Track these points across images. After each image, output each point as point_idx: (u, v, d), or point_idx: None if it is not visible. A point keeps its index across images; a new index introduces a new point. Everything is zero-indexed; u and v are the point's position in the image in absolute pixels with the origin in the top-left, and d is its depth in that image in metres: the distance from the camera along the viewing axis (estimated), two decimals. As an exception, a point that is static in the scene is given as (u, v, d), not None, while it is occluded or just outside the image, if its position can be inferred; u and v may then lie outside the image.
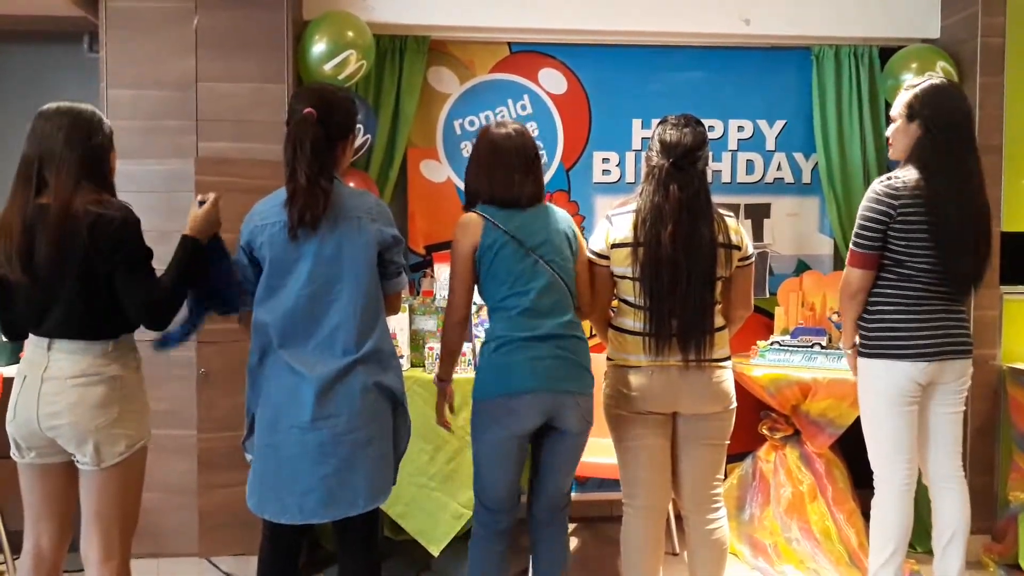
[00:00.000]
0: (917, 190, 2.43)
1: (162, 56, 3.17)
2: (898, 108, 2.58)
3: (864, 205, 2.52)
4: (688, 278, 2.35)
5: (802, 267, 3.93)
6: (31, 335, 2.09)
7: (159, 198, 3.08)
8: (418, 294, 3.53)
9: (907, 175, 2.48)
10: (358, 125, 3.30)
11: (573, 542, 3.65)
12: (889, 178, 2.50)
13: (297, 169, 2.08)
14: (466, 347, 3.23)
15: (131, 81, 3.16)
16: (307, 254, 2.08)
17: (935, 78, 2.60)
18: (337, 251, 2.09)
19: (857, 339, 2.63)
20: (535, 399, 2.27)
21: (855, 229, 2.55)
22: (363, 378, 2.08)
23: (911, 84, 2.60)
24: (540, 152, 2.48)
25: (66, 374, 2.02)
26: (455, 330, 2.42)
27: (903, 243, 2.47)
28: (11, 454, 2.11)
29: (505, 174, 2.36)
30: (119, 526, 2.09)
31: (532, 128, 3.76)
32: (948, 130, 2.47)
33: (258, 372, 2.13)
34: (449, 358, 2.45)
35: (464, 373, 3.11)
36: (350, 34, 3.29)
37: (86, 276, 2.02)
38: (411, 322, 3.35)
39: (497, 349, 2.32)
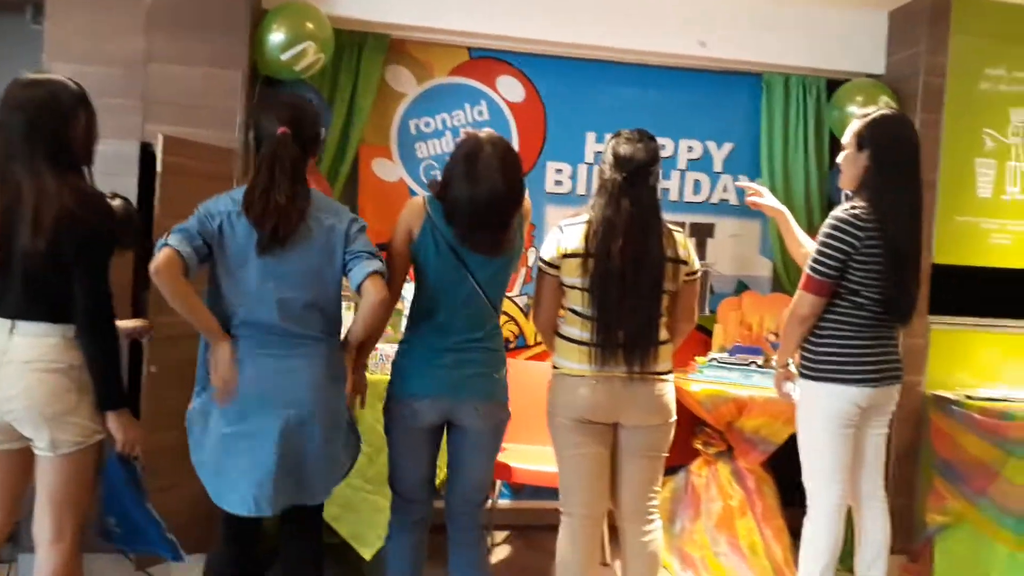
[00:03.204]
0: (875, 221, 2.46)
1: (110, 32, 3.06)
2: (848, 136, 2.60)
3: (827, 233, 2.49)
4: (636, 291, 2.38)
5: (742, 287, 4.02)
6: None
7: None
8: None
9: (865, 205, 2.49)
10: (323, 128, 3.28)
11: (505, 550, 3.65)
12: (853, 208, 2.48)
13: (275, 189, 2.06)
14: (390, 349, 3.20)
15: (75, 56, 3.04)
16: (269, 261, 2.09)
17: (885, 108, 2.67)
18: (302, 258, 2.10)
19: (794, 360, 2.69)
20: (432, 403, 2.32)
21: (814, 255, 2.52)
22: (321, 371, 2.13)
23: (862, 114, 2.62)
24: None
25: (24, 358, 1.99)
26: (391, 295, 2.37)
27: (861, 273, 2.48)
28: None
29: (468, 218, 2.25)
30: (71, 511, 2.08)
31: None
32: (896, 160, 2.50)
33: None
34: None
35: (375, 372, 3.12)
36: (310, 25, 3.24)
37: (53, 263, 1.98)
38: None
39: (404, 354, 2.38)
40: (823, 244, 2.50)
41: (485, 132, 2.34)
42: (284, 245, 2.08)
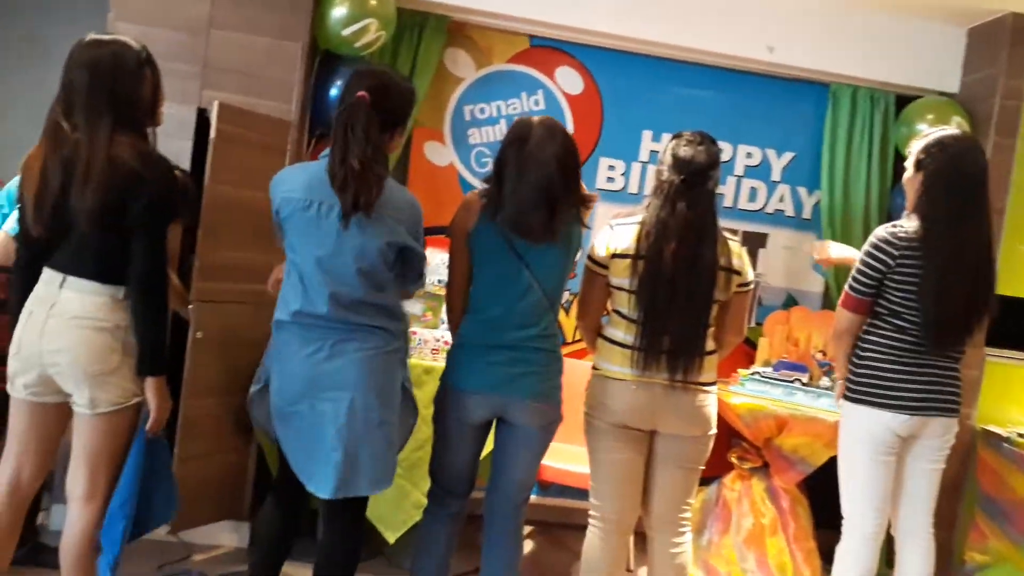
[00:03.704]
0: (916, 241, 2.41)
1: (176, -4, 3.07)
2: (910, 157, 2.55)
3: (864, 250, 2.49)
4: (686, 297, 2.32)
5: (791, 301, 3.93)
6: (45, 269, 2.05)
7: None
8: (406, 276, 3.46)
9: (910, 225, 2.44)
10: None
11: (529, 545, 3.62)
12: (894, 226, 2.47)
13: (349, 153, 2.02)
14: (430, 335, 3.18)
15: (140, 17, 3.06)
16: (328, 242, 2.06)
17: (948, 129, 2.57)
18: (358, 245, 2.06)
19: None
20: (484, 399, 2.29)
21: (852, 272, 2.53)
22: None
23: (925, 134, 2.56)
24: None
25: (71, 313, 1.99)
26: (453, 298, 2.40)
27: (901, 294, 2.43)
28: (7, 387, 2.09)
29: (519, 198, 2.21)
30: (105, 470, 2.10)
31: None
32: (950, 183, 2.41)
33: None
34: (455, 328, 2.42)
35: (424, 360, 3.10)
36: (373, 2, 3.21)
37: (109, 221, 1.98)
38: (396, 304, 3.28)
39: (460, 347, 2.35)
40: (860, 261, 2.50)
41: (538, 117, 2.30)
42: (368, 215, 2.03)
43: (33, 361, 2.02)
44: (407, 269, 2.18)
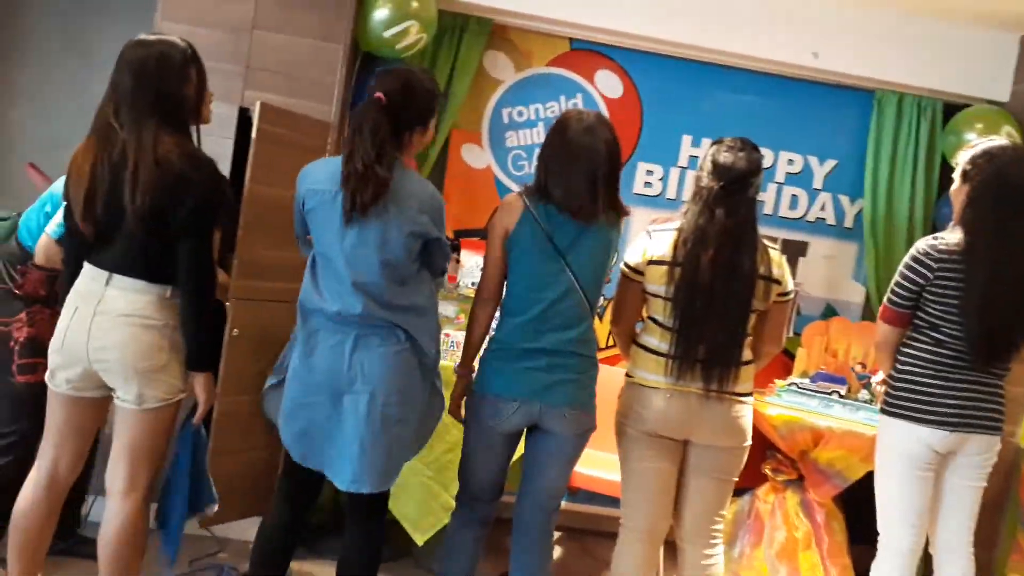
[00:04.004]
0: (957, 254, 2.35)
1: (222, -3, 3.11)
2: (957, 168, 2.50)
3: (904, 262, 2.45)
4: (723, 306, 2.29)
5: (830, 312, 3.86)
6: (88, 265, 2.08)
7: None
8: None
9: (952, 237, 2.39)
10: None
11: (557, 551, 3.59)
12: (935, 239, 2.42)
13: (355, 153, 2.05)
14: (463, 337, 3.16)
15: (186, 17, 3.11)
16: (351, 233, 2.08)
17: (996, 140, 2.51)
18: (380, 236, 2.08)
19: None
20: (521, 405, 2.27)
21: (892, 284, 2.49)
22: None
23: (972, 144, 2.52)
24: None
25: (119, 311, 2.02)
26: (479, 310, 2.39)
27: (939, 307, 2.39)
28: (45, 378, 2.12)
29: (565, 176, 2.25)
30: (146, 464, 2.13)
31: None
32: (997, 195, 2.36)
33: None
34: (469, 347, 2.41)
35: (453, 361, 3.06)
36: (415, 4, 3.22)
37: (156, 223, 2.01)
38: (430, 305, 3.28)
39: (496, 351, 2.33)
40: (899, 273, 2.46)
41: (587, 109, 2.36)
42: (364, 214, 2.05)
43: (78, 356, 2.04)
44: (432, 260, 2.19)
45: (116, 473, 2.12)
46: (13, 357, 2.51)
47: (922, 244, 2.43)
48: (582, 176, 2.24)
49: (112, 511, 2.12)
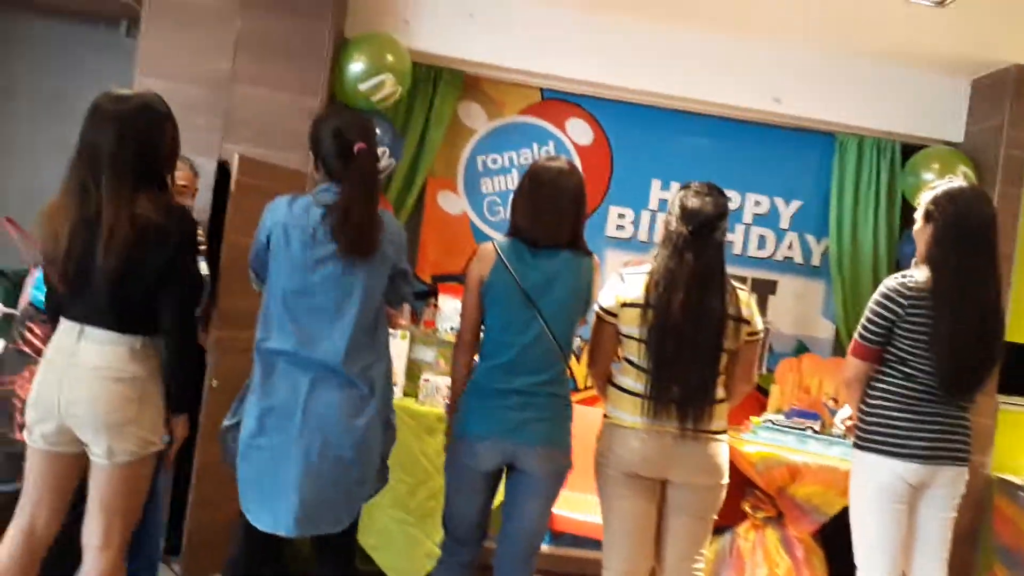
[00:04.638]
0: (926, 292, 2.42)
1: (200, 51, 3.19)
2: (919, 209, 2.57)
3: (874, 299, 2.50)
4: (694, 347, 2.34)
5: (801, 348, 3.93)
6: (63, 319, 2.07)
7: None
8: (419, 324, 3.50)
9: (919, 275, 2.45)
10: (383, 148, 3.34)
11: (539, 595, 3.58)
12: (904, 276, 2.48)
13: (358, 203, 2.11)
14: (443, 382, 3.19)
15: (165, 72, 3.17)
16: (326, 269, 2.12)
17: (956, 180, 2.60)
18: (351, 269, 2.12)
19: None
20: (493, 445, 2.30)
21: (862, 320, 2.53)
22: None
23: (932, 185, 2.58)
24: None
25: (90, 364, 2.01)
26: (459, 356, 2.43)
27: (909, 343, 2.44)
28: (23, 434, 2.12)
29: (535, 210, 2.35)
30: (121, 519, 2.10)
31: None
32: (961, 235, 2.44)
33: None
34: (455, 389, 2.44)
35: (437, 407, 3.12)
36: (390, 57, 3.31)
37: (129, 276, 2.01)
38: (410, 350, 3.31)
39: (471, 393, 2.36)
40: (869, 310, 2.50)
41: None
42: (368, 259, 2.12)
43: (51, 411, 2.03)
44: (396, 290, 2.26)
45: (91, 529, 2.09)
46: (16, 416, 2.52)
47: (892, 282, 2.48)
48: (549, 206, 2.33)
49: (88, 567, 2.09)
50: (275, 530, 2.12)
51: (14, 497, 2.46)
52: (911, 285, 2.43)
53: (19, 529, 2.11)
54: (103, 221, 1.97)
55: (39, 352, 2.52)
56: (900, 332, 2.44)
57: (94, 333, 2.03)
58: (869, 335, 2.49)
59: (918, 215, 2.56)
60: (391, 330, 2.41)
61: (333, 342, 2.12)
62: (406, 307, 2.36)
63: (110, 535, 2.09)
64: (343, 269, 2.12)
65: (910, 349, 2.44)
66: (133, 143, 2.02)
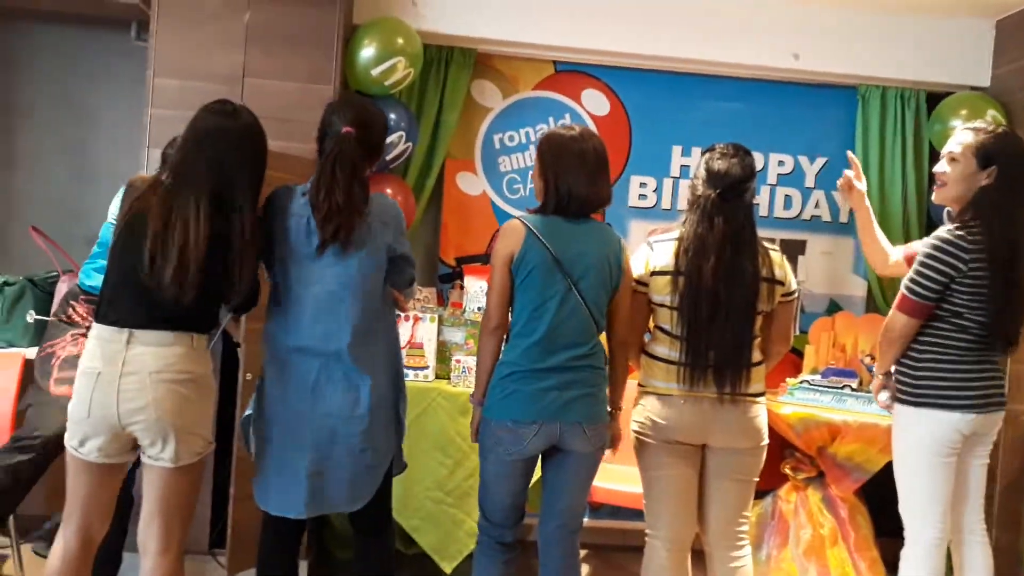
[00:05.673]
0: (984, 243, 2.33)
1: (211, 48, 3.18)
2: (962, 150, 2.43)
3: (929, 254, 2.36)
4: (728, 311, 2.31)
5: (834, 307, 3.88)
6: (100, 327, 2.01)
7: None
8: (447, 305, 3.50)
9: (973, 226, 2.36)
10: (400, 133, 3.32)
11: (584, 569, 3.59)
12: (959, 228, 2.36)
13: (335, 188, 2.09)
14: (473, 362, 3.18)
15: (179, 71, 3.17)
16: (323, 258, 2.12)
17: (999, 126, 2.52)
18: (345, 257, 2.13)
19: (888, 384, 2.54)
20: (540, 428, 2.26)
21: (912, 275, 2.39)
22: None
23: (977, 127, 2.45)
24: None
25: (149, 368, 1.96)
26: (487, 339, 2.38)
27: (967, 297, 2.35)
28: (69, 446, 2.04)
29: (566, 177, 2.30)
30: (181, 521, 2.08)
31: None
32: (1020, 183, 2.37)
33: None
34: (482, 375, 2.40)
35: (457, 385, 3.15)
36: (400, 41, 3.29)
37: (201, 284, 1.99)
38: (439, 333, 3.32)
39: (507, 376, 2.31)
40: (925, 265, 2.37)
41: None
42: (345, 248, 2.10)
43: (109, 423, 1.97)
44: (400, 272, 2.25)
45: (150, 533, 2.06)
46: (52, 371, 2.58)
47: (948, 235, 2.35)
48: (578, 170, 2.30)
49: (147, 571, 2.06)
50: (284, 512, 2.17)
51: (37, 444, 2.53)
52: (970, 239, 2.34)
53: (76, 541, 2.08)
54: (172, 244, 1.96)
55: (80, 325, 2.62)
56: (958, 287, 2.35)
57: (145, 335, 1.98)
58: (924, 291, 2.37)
59: (961, 155, 2.43)
60: (400, 313, 2.38)
61: (338, 330, 2.12)
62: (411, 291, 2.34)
63: (170, 538, 2.06)
64: (337, 257, 2.11)
65: (967, 302, 2.36)
66: (254, 162, 2.11)
